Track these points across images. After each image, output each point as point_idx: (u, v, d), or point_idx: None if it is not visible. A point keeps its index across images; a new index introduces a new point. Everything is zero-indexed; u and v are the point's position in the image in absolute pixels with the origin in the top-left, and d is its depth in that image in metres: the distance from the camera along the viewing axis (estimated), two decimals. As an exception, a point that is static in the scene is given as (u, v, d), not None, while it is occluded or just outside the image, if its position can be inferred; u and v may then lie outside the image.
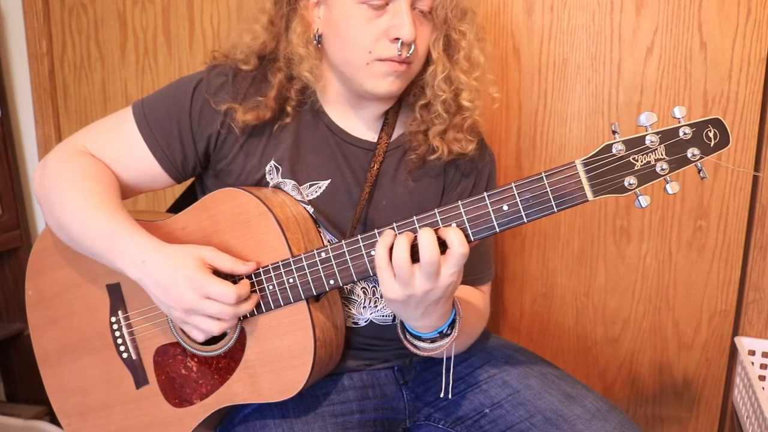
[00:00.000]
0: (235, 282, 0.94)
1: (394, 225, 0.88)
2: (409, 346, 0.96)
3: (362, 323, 1.09)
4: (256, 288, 0.97)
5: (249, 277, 0.97)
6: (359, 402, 1.07)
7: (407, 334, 0.95)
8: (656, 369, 1.56)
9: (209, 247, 0.94)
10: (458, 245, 0.82)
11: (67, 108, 1.75)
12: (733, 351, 1.49)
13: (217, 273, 0.94)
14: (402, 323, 0.95)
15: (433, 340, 0.94)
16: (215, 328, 0.93)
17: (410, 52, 0.97)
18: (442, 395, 0.98)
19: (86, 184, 0.99)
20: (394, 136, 1.10)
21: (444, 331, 0.93)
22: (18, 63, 1.75)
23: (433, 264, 0.82)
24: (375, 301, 1.09)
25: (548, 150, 1.49)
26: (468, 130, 1.08)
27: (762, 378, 1.44)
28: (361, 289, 1.08)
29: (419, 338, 0.94)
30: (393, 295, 0.86)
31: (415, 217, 0.87)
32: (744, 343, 1.43)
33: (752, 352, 1.44)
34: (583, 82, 1.45)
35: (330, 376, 1.08)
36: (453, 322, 0.93)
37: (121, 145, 1.05)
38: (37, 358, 1.15)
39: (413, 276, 0.83)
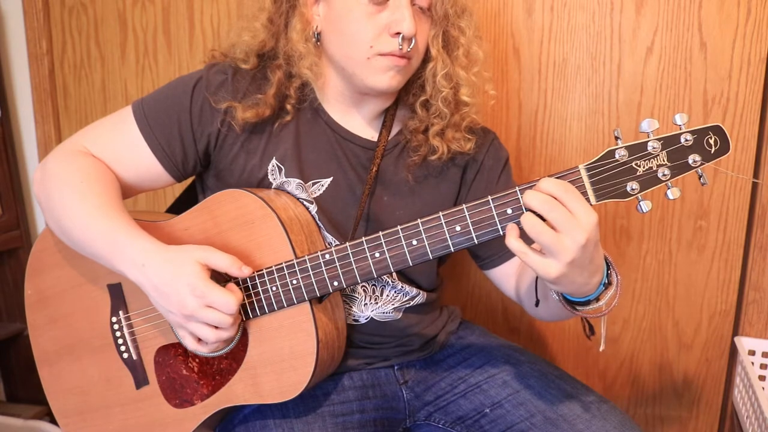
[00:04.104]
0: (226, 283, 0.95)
1: (399, 228, 0.88)
2: (578, 314, 0.90)
3: (363, 320, 1.09)
4: (260, 289, 0.97)
5: (252, 278, 0.97)
6: (359, 402, 1.07)
7: (577, 305, 0.89)
8: (656, 369, 1.56)
9: (206, 247, 0.94)
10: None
11: (67, 108, 1.75)
12: (733, 351, 1.49)
13: (216, 274, 0.94)
14: (566, 300, 0.89)
15: (597, 299, 0.88)
16: (212, 336, 0.93)
17: (410, 46, 0.97)
18: (600, 349, 0.92)
19: (86, 185, 0.99)
20: (393, 134, 1.10)
21: (605, 281, 0.87)
22: (18, 63, 1.75)
23: (551, 207, 0.77)
24: (376, 299, 1.09)
25: (548, 150, 1.49)
26: (466, 129, 1.09)
27: (762, 378, 1.44)
28: (362, 287, 1.08)
29: (587, 303, 0.88)
30: (556, 271, 0.79)
31: (419, 220, 0.87)
32: (744, 343, 1.43)
33: (752, 352, 1.44)
34: (583, 82, 1.45)
35: (330, 376, 1.08)
36: (608, 266, 0.88)
37: (121, 144, 1.05)
38: (36, 358, 1.15)
39: (559, 240, 0.78)
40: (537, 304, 1.00)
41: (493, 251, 1.13)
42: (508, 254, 1.12)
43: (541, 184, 0.79)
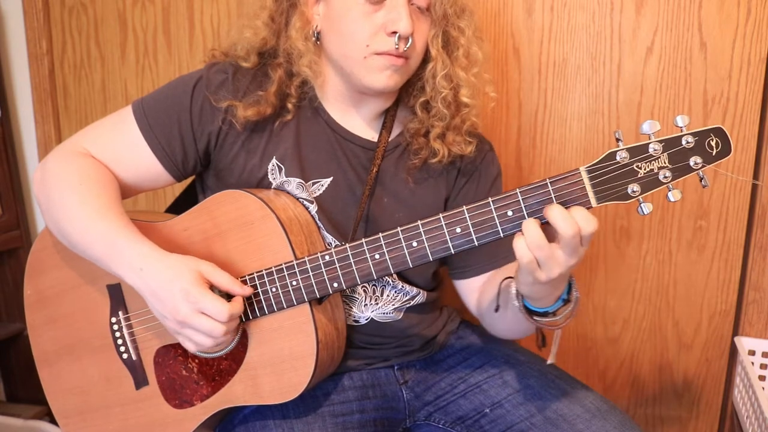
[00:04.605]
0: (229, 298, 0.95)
1: (399, 229, 0.88)
2: (534, 323, 0.92)
3: (363, 321, 1.09)
4: (259, 290, 0.97)
5: (252, 279, 0.97)
6: (359, 402, 1.07)
7: (534, 315, 0.92)
8: (656, 369, 1.56)
9: (209, 263, 0.94)
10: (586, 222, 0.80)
11: (67, 108, 1.75)
12: (733, 351, 1.49)
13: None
14: (525, 306, 0.91)
15: (555, 312, 0.91)
16: (207, 342, 0.93)
17: (407, 46, 0.97)
18: (549, 361, 0.95)
19: (85, 187, 0.99)
20: (393, 135, 1.10)
21: (565, 298, 0.90)
22: (18, 63, 1.75)
23: (576, 237, 0.79)
24: (376, 299, 1.09)
25: (548, 150, 1.49)
26: (466, 132, 1.09)
27: (762, 378, 1.44)
28: (362, 287, 1.08)
29: (545, 314, 0.91)
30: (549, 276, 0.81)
31: (419, 222, 0.87)
32: (744, 343, 1.43)
33: (752, 352, 1.44)
34: (583, 82, 1.44)
35: (330, 376, 1.08)
36: (569, 285, 0.91)
37: (121, 144, 1.05)
38: (36, 358, 1.14)
39: (554, 256, 0.80)
40: (497, 309, 1.01)
41: (466, 263, 1.13)
42: (478, 269, 1.13)
43: (576, 215, 0.79)
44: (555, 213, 0.78)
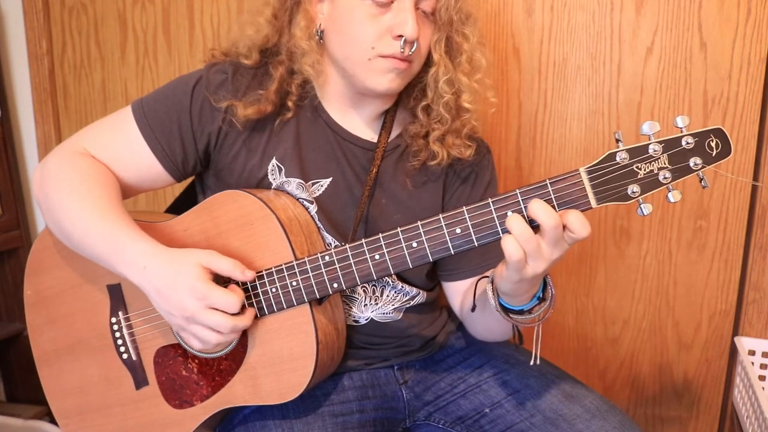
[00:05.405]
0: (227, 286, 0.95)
1: (399, 230, 0.88)
2: (511, 321, 0.92)
3: (363, 321, 1.09)
4: (259, 291, 0.97)
5: (251, 280, 0.97)
6: (359, 402, 1.07)
7: (510, 313, 0.92)
8: (656, 369, 1.56)
9: (209, 251, 0.94)
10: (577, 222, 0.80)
11: (67, 108, 1.75)
12: (733, 351, 1.49)
13: (217, 277, 0.94)
14: (501, 304, 0.92)
15: (530, 311, 0.91)
16: (213, 339, 0.93)
17: (412, 50, 0.97)
18: (532, 363, 0.96)
19: (85, 187, 0.98)
20: (392, 136, 1.10)
21: (540, 296, 0.91)
22: (18, 63, 1.75)
23: (558, 228, 0.79)
24: (376, 299, 1.09)
25: (548, 150, 1.49)
26: (466, 136, 1.09)
27: (762, 378, 1.44)
28: (362, 288, 1.08)
29: (521, 312, 0.92)
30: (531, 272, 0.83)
31: (419, 222, 0.87)
32: (744, 343, 1.43)
33: (752, 352, 1.44)
34: (583, 82, 1.45)
35: (330, 377, 1.08)
36: (545, 284, 0.91)
37: (121, 144, 1.05)
38: (36, 358, 1.14)
39: (540, 250, 0.81)
40: (474, 309, 1.02)
41: (454, 266, 1.13)
42: (466, 273, 1.13)
43: (571, 217, 0.79)
44: (535, 206, 0.79)
